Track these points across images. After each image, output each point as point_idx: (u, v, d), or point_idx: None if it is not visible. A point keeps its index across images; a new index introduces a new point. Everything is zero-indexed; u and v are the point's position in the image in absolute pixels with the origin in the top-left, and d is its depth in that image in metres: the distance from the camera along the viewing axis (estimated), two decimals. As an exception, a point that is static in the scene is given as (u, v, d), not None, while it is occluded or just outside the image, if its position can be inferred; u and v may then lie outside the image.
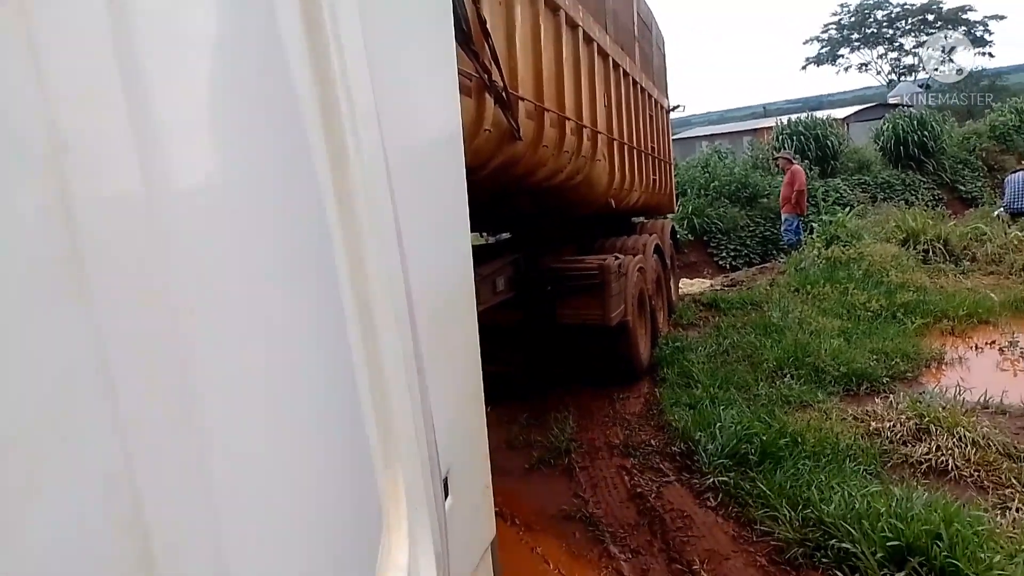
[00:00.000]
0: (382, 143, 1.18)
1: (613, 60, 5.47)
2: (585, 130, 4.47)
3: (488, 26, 2.56)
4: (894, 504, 3.28)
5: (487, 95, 2.70)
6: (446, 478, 1.38)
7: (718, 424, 4.59)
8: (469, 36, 2.32)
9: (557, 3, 3.81)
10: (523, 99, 3.24)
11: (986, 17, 42.63)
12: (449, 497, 1.39)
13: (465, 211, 1.65)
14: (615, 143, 5.59)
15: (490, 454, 1.83)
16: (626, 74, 6.07)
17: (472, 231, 7.19)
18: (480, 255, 5.94)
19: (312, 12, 1.00)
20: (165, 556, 0.60)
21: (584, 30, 4.45)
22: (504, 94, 2.79)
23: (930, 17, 43.51)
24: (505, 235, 7.40)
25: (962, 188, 16.29)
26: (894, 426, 4.48)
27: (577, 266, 5.59)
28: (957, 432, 4.23)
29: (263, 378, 0.84)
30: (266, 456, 0.82)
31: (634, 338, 5.92)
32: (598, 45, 4.87)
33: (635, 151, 6.48)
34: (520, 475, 4.46)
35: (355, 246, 1.03)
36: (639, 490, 4.10)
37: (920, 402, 4.73)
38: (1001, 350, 6.18)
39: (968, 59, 43.79)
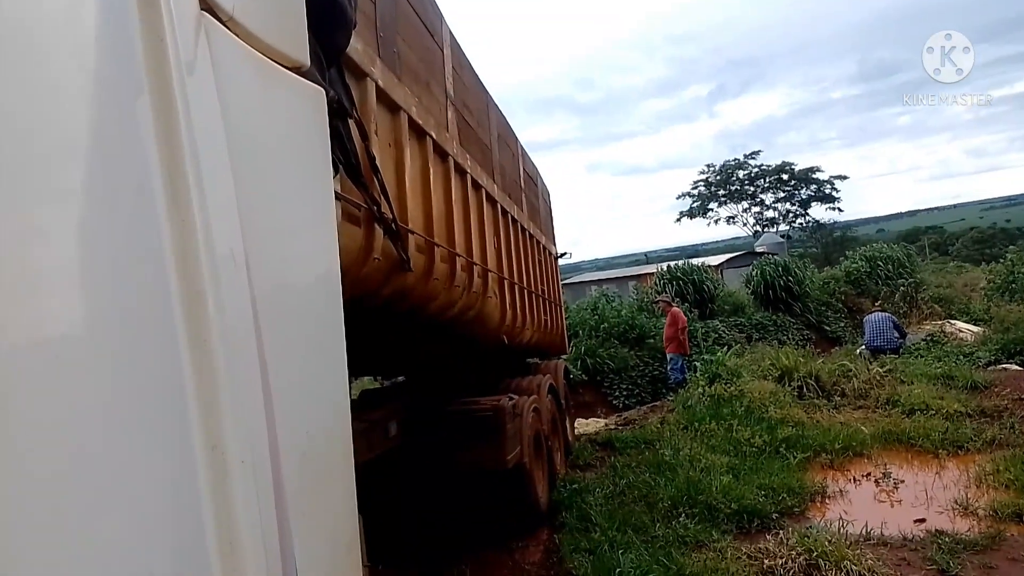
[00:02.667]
0: (248, 285, 1.15)
1: (501, 207, 5.71)
2: (475, 267, 4.55)
3: (377, 162, 2.62)
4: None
5: (376, 226, 2.71)
6: None
7: (618, 570, 4.47)
8: (358, 169, 2.35)
9: (446, 150, 3.98)
10: (413, 232, 3.28)
11: (832, 177, 48.49)
12: None
13: (342, 352, 1.59)
14: (506, 282, 5.72)
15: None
16: (514, 220, 6.33)
17: (366, 375, 6.95)
18: (373, 399, 5.76)
19: (174, 150, 0.98)
20: None
21: (472, 177, 4.65)
22: (393, 226, 2.81)
23: (784, 176, 48.99)
24: (400, 379, 7.25)
25: (827, 328, 17.61)
26: (786, 563, 4.49)
27: (471, 407, 5.49)
28: (844, 566, 4.29)
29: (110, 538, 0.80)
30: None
31: (532, 480, 5.77)
32: (486, 191, 5.09)
33: (525, 291, 6.65)
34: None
35: (210, 391, 0.98)
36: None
37: (808, 537, 4.79)
38: (876, 482, 6.45)
39: (821, 213, 49.22)
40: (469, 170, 4.56)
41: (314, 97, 1.63)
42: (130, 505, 0.85)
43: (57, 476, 0.74)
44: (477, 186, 4.83)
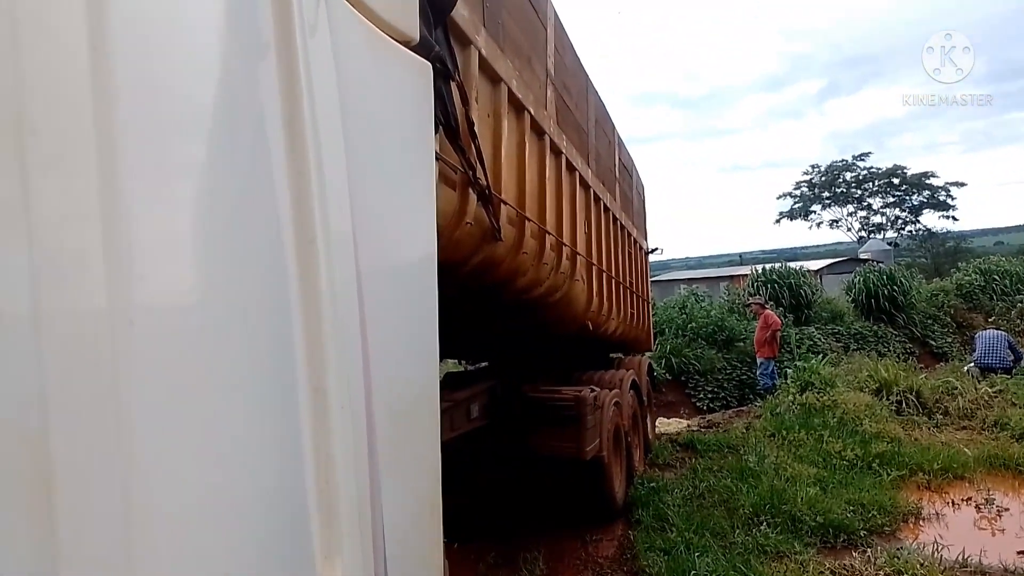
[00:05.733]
0: (354, 245, 1.19)
1: (594, 193, 5.63)
2: (565, 248, 4.50)
3: (476, 129, 2.61)
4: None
5: (470, 191, 2.72)
6: None
7: (693, 572, 4.37)
8: (457, 132, 2.35)
9: (543, 128, 3.95)
10: (505, 203, 3.27)
11: (948, 183, 44.81)
12: None
13: (434, 318, 1.61)
14: (594, 268, 5.64)
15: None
16: (607, 209, 6.23)
17: (451, 358, 7.08)
18: (457, 381, 5.83)
19: (294, 111, 1.02)
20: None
21: (567, 158, 4.59)
22: (487, 192, 2.81)
23: (895, 180, 45.91)
24: (483, 364, 7.32)
25: (932, 343, 16.54)
26: (873, 582, 4.26)
27: (553, 396, 5.48)
28: (937, 591, 4.02)
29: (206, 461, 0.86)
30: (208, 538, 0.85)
31: (609, 474, 5.72)
32: (580, 175, 5.02)
33: (613, 280, 6.54)
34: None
35: (316, 346, 1.03)
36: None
37: (898, 558, 4.54)
38: (978, 507, 6.02)
39: (933, 221, 45.91)
40: (564, 151, 4.51)
41: (421, 71, 1.63)
42: (239, 435, 0.90)
43: (182, 407, 0.81)
44: (571, 168, 4.77)
